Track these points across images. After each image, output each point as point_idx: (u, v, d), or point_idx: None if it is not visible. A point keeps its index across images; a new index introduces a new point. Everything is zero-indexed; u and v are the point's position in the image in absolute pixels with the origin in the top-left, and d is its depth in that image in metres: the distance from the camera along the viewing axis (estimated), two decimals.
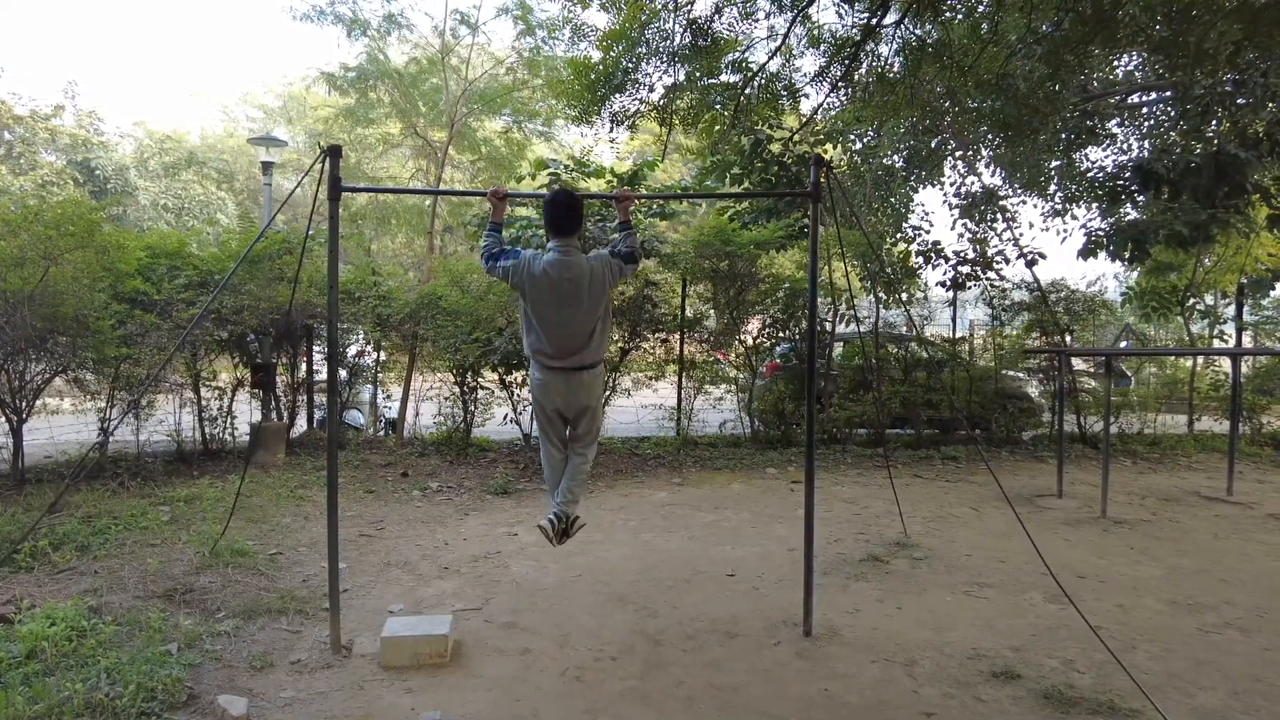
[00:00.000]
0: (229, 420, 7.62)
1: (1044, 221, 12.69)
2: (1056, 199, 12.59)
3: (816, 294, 4.06)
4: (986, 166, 12.32)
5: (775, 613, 4.25)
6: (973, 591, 4.60)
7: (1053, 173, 11.26)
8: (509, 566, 4.95)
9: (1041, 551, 5.62)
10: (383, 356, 8.84)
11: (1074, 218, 12.76)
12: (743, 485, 7.05)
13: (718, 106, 6.91)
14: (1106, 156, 11.87)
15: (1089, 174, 10.52)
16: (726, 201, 8.78)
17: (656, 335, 8.35)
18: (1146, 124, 10.21)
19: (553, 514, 3.76)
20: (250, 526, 5.54)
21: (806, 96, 6.93)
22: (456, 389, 8.07)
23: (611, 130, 6.86)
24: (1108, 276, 12.46)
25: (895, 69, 6.41)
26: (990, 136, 10.89)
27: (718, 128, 7.24)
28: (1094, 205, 12.38)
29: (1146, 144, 10.89)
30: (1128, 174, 9.46)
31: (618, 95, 6.56)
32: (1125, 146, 11.22)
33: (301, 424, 8.40)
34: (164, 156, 17.71)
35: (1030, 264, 8.82)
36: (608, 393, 8.08)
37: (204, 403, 7.50)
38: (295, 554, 5.07)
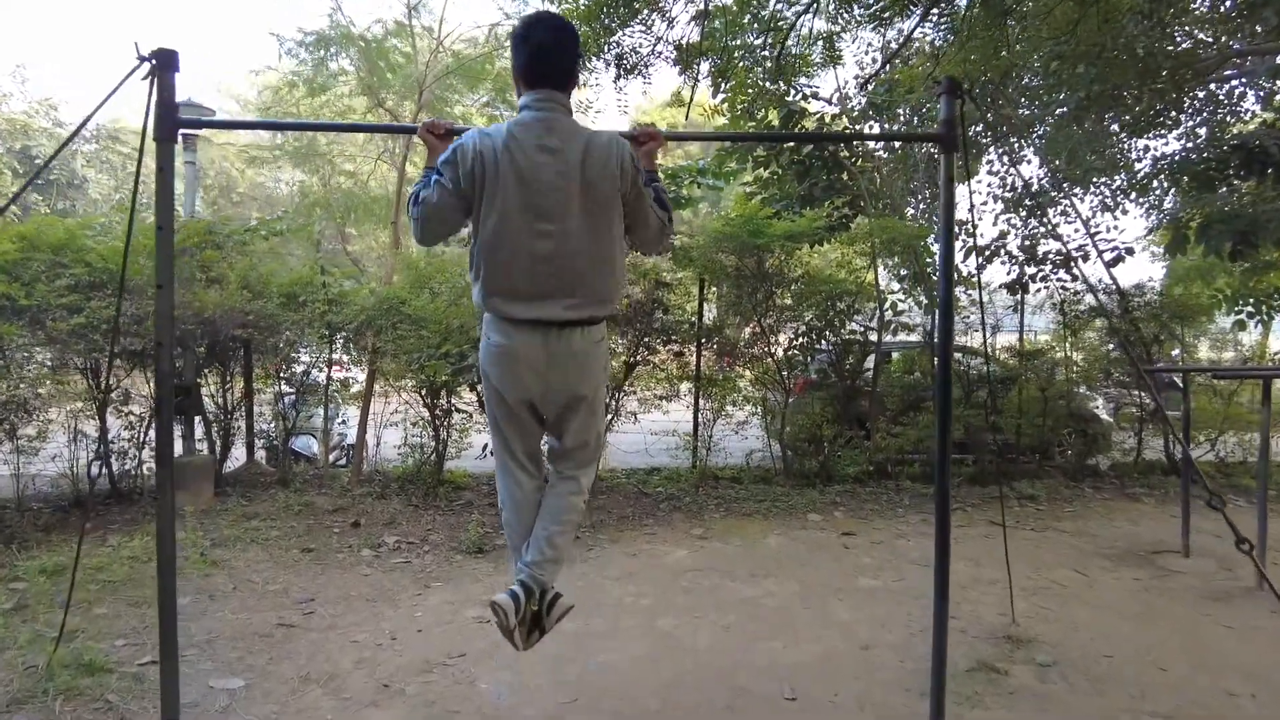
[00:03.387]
0: (142, 453, 6.17)
1: (1096, 216, 11.40)
2: (1105, 191, 11.29)
3: (952, 277, 2.60)
4: (1036, 154, 10.98)
5: None
6: None
7: (1118, 157, 9.89)
8: (475, 681, 3.51)
9: (1195, 642, 4.23)
10: (340, 373, 7.40)
11: (1124, 212, 11.45)
12: (781, 538, 5.62)
13: (754, 60, 5.48)
14: (1166, 141, 10.54)
15: (1166, 158, 9.15)
16: (754, 183, 7.36)
17: (668, 347, 6.93)
18: (1243, 94, 8.80)
19: (517, 584, 2.29)
20: (127, 613, 4.10)
21: (889, 22, 5.44)
22: (426, 412, 6.62)
23: (618, 79, 5.42)
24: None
25: None
26: (1045, 118, 9.53)
27: (751, 90, 5.82)
28: (1145, 197, 11.09)
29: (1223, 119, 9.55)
30: (1217, 155, 8.11)
31: (625, 30, 5.13)
32: (1193, 127, 9.89)
33: (241, 455, 6.96)
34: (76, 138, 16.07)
35: (1113, 263, 7.41)
36: (610, 416, 6.63)
37: (110, 433, 6.05)
38: (180, 664, 3.61)
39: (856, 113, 8.45)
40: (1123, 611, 4.38)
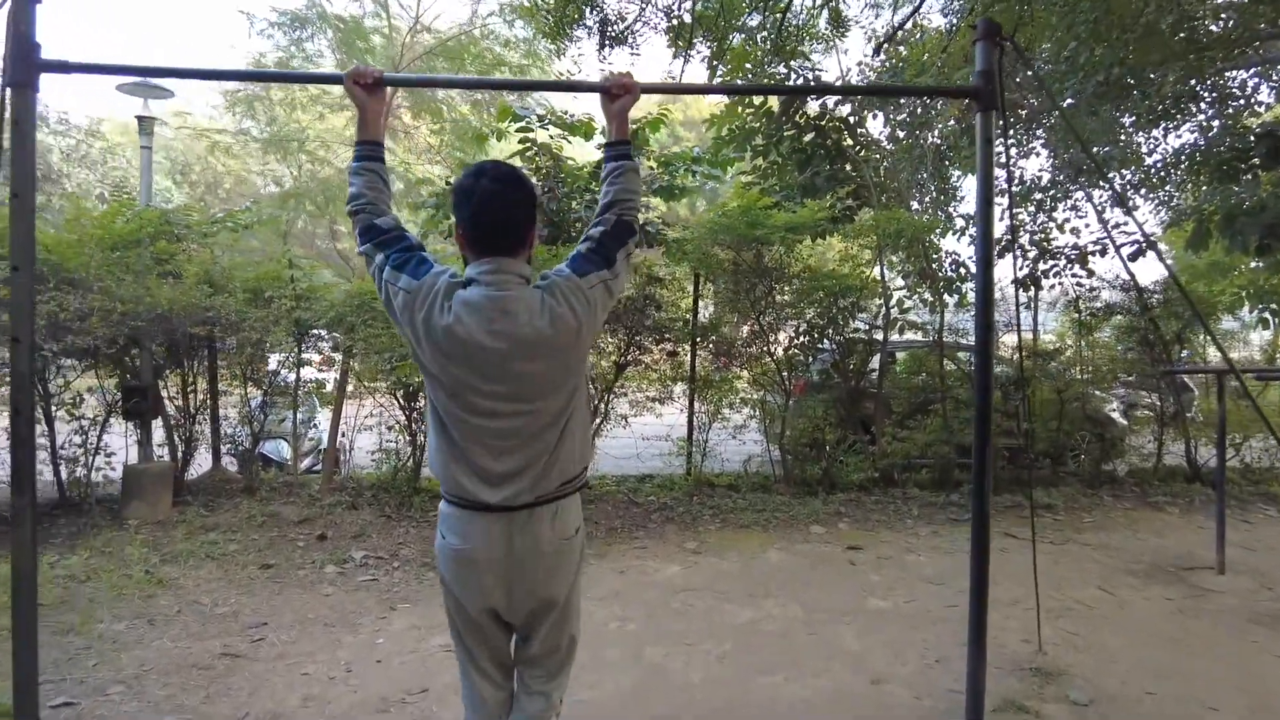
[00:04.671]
0: (94, 459, 5.75)
1: (1106, 211, 11.01)
2: (1116, 185, 10.93)
3: (992, 258, 2.19)
4: (1045, 146, 10.61)
5: None
6: None
7: (1129, 151, 9.50)
8: None
9: (1246, 675, 3.83)
10: (320, 372, 6.98)
11: (1136, 207, 11.08)
12: (782, 553, 5.20)
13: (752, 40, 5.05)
14: (1180, 135, 10.19)
15: (1183, 149, 8.77)
16: (753, 172, 6.92)
17: (661, 346, 6.50)
18: (1258, 86, 8.41)
19: None
20: (49, 643, 3.66)
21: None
22: (402, 416, 6.20)
23: (602, 48, 4.98)
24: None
25: None
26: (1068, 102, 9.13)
27: (751, 69, 5.39)
28: (1158, 192, 10.72)
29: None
30: (1240, 145, 7.71)
31: None
32: (1209, 119, 9.51)
33: (206, 461, 6.53)
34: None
35: (1135, 256, 6.99)
36: (596, 424, 6.21)
37: (59, 437, 5.63)
38: (101, 704, 3.19)
39: (861, 100, 8.03)
40: (1159, 637, 3.97)
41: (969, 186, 11.32)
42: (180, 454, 6.11)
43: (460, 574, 1.90)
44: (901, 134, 8.64)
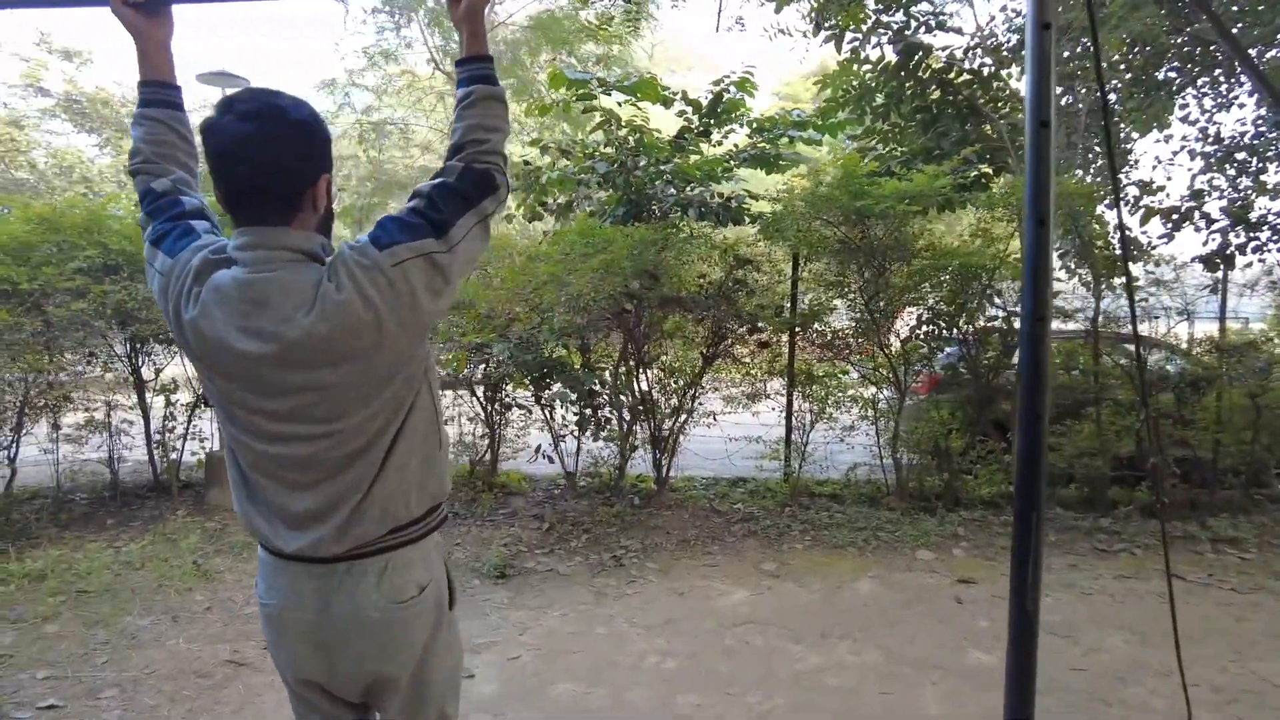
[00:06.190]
0: (183, 443, 5.88)
1: None
2: None
3: (1047, 190, 1.44)
4: (1251, 95, 8.83)
5: None
6: None
7: None
8: None
9: None
10: None
11: None
12: (875, 582, 4.40)
13: None
14: None
15: None
16: (869, 135, 6.02)
17: (754, 336, 5.82)
18: None
19: None
20: (76, 633, 3.63)
21: None
22: (480, 407, 5.93)
23: None
24: None
25: None
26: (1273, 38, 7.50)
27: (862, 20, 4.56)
28: None
29: None
30: None
31: None
32: None
33: None
34: None
35: None
36: (680, 421, 5.63)
37: (153, 422, 5.80)
38: (87, 710, 3.04)
39: (1006, 52, 6.89)
40: None
41: (1143, 148, 9.65)
42: None
43: (268, 633, 1.47)
44: (1059, 89, 7.38)
